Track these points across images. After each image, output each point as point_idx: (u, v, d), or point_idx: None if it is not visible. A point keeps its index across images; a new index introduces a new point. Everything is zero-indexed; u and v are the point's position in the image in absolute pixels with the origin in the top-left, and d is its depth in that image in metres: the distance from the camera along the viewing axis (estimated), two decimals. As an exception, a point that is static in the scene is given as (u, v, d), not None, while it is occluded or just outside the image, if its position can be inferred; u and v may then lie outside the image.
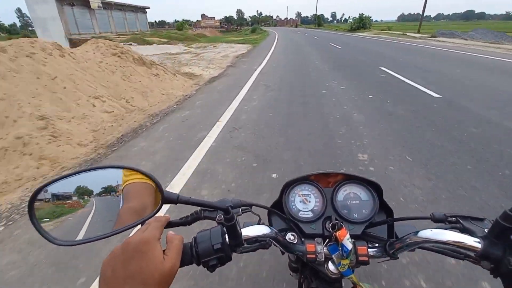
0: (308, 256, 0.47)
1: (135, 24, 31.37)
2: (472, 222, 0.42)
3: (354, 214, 0.53)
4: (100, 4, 23.94)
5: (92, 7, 23.23)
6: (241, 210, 0.47)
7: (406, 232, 0.46)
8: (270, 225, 0.53)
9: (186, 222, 0.46)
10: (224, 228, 0.42)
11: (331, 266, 0.47)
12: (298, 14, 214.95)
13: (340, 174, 0.57)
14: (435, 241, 0.41)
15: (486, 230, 0.39)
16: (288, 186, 0.57)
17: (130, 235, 0.35)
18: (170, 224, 0.43)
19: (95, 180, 0.38)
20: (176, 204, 0.38)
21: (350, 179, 0.57)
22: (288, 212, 0.54)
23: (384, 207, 0.55)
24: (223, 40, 23.08)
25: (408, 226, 0.51)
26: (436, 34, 17.62)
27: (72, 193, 0.37)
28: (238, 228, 0.43)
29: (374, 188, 0.55)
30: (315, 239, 0.50)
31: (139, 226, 0.37)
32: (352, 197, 0.55)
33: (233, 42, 20.12)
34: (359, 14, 33.48)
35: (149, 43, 19.48)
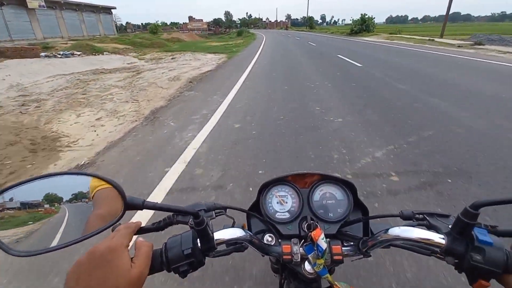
0: (284, 257, 0.47)
1: (97, 27, 26.55)
2: (437, 218, 0.44)
3: (329, 214, 0.54)
4: (42, 3, 19.11)
5: (30, 7, 18.38)
6: (215, 213, 0.47)
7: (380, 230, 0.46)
8: (248, 227, 0.56)
9: (158, 227, 0.45)
10: (196, 232, 0.42)
11: (307, 266, 0.47)
12: (288, 16, 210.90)
13: (316, 174, 0.57)
14: (404, 238, 0.42)
15: (450, 226, 0.39)
16: (265, 187, 0.57)
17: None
18: (141, 230, 0.43)
19: (62, 186, 0.37)
20: (141, 210, 0.37)
21: (326, 179, 0.57)
22: (265, 213, 0.54)
23: (359, 206, 0.56)
24: (197, 46, 18.65)
25: (384, 224, 0.51)
26: (481, 40, 13.15)
27: (41, 200, 0.36)
28: (210, 232, 0.43)
29: (349, 187, 0.56)
30: (292, 239, 0.50)
31: (109, 233, 0.37)
32: (328, 196, 0.56)
33: (208, 50, 15.75)
34: (361, 14, 29.21)
35: (99, 51, 14.93)
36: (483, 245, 0.35)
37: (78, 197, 0.37)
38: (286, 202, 0.56)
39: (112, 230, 0.38)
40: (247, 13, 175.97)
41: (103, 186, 0.37)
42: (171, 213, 0.45)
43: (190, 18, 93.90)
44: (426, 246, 0.40)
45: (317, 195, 0.56)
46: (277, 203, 0.56)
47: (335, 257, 0.47)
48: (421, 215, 0.45)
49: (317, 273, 0.46)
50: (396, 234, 0.43)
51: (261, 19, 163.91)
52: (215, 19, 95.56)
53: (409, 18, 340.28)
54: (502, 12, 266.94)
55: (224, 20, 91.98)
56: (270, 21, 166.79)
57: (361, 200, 0.56)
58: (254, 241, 0.48)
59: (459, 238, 0.37)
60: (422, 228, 0.42)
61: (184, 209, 0.41)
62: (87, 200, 0.37)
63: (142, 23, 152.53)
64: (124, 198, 0.36)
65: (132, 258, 0.35)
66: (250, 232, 0.48)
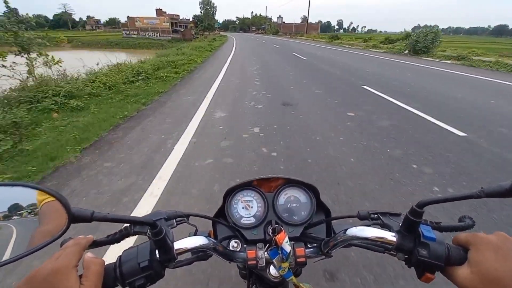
0: (249, 262, 0.49)
1: None
2: (390, 217, 0.48)
3: (294, 217, 0.57)
4: None
5: None
6: (176, 221, 0.49)
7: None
8: (215, 234, 0.58)
9: (114, 240, 0.45)
10: (154, 243, 0.42)
11: (272, 270, 0.50)
12: (304, 18, 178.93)
13: (281, 178, 0.61)
14: (360, 237, 0.46)
15: (400, 224, 0.44)
16: (230, 193, 0.59)
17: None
18: (95, 244, 0.42)
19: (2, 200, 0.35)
20: (90, 222, 0.36)
21: (290, 183, 0.61)
22: (230, 219, 0.56)
23: (322, 208, 0.61)
24: None
25: (345, 224, 0.55)
26: None
27: None
28: (169, 241, 0.43)
29: (311, 190, 0.60)
30: (257, 244, 0.52)
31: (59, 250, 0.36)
32: (292, 200, 0.60)
33: None
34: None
35: None
36: (427, 240, 0.40)
37: (23, 211, 0.35)
38: (252, 207, 0.58)
39: (61, 246, 0.37)
40: (252, 12, 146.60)
41: (50, 199, 0.35)
42: (128, 224, 0.44)
43: (158, 11, 65.10)
44: (380, 244, 0.45)
45: (282, 199, 0.59)
46: (243, 208, 0.58)
47: (299, 260, 0.49)
48: (375, 215, 0.50)
49: (282, 277, 0.49)
50: (353, 234, 0.46)
51: (270, 18, 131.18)
52: (195, 16, 68.15)
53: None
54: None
55: (203, 16, 63.52)
56: (284, 22, 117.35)
57: (323, 202, 0.60)
58: (218, 248, 0.50)
59: (408, 235, 0.42)
60: (376, 227, 0.46)
61: (140, 219, 0.40)
62: (33, 214, 0.36)
63: (108, 19, 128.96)
64: (68, 209, 0.34)
65: (81, 279, 0.34)
66: (213, 240, 0.50)
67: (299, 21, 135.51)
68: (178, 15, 70.40)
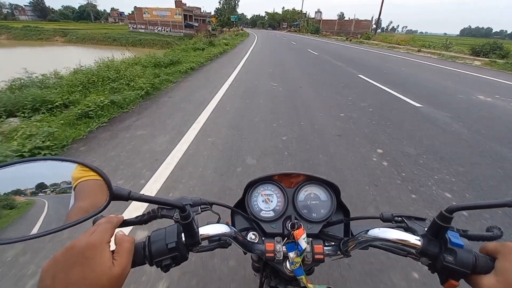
0: (267, 254, 0.51)
1: None
2: (415, 221, 0.48)
3: (313, 214, 0.58)
4: None
5: None
6: (201, 208, 0.50)
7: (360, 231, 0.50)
8: (232, 224, 0.59)
9: (142, 221, 0.47)
10: (181, 227, 0.44)
11: (288, 264, 0.51)
12: (341, 14, 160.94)
13: (302, 174, 0.61)
14: (382, 239, 0.46)
15: (426, 229, 0.44)
16: (251, 186, 0.61)
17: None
18: (124, 223, 0.44)
19: (40, 174, 0.36)
20: (127, 200, 0.38)
21: (311, 180, 0.61)
22: (250, 211, 0.58)
23: (342, 207, 0.61)
24: None
25: (364, 226, 0.54)
26: None
27: (16, 189, 0.35)
28: (195, 226, 0.45)
29: (332, 189, 0.60)
30: (275, 238, 0.54)
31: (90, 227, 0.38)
32: (312, 197, 0.60)
33: None
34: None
35: None
36: (455, 247, 0.39)
37: (59, 187, 0.37)
38: (271, 201, 0.59)
39: (93, 223, 0.40)
40: (283, 7, 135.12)
41: (86, 178, 0.37)
42: (156, 207, 0.47)
43: (178, 3, 57.65)
44: (403, 247, 0.45)
45: (302, 195, 0.60)
46: (263, 201, 0.59)
47: (317, 256, 0.50)
48: (399, 218, 0.49)
49: (293, 272, 0.50)
50: (375, 234, 0.47)
51: (305, 14, 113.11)
52: (217, 9, 60.36)
53: (493, 31, 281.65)
54: None
55: (223, 8, 55.23)
56: (322, 18, 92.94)
57: (343, 202, 0.60)
58: (238, 237, 0.51)
59: (434, 240, 0.41)
60: (400, 230, 0.46)
61: (171, 202, 0.42)
62: (68, 190, 0.37)
63: (132, 10, 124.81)
64: (110, 187, 0.36)
65: (113, 254, 0.36)
66: (234, 229, 0.51)
67: (332, 17, 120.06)
68: (199, 8, 63.10)
